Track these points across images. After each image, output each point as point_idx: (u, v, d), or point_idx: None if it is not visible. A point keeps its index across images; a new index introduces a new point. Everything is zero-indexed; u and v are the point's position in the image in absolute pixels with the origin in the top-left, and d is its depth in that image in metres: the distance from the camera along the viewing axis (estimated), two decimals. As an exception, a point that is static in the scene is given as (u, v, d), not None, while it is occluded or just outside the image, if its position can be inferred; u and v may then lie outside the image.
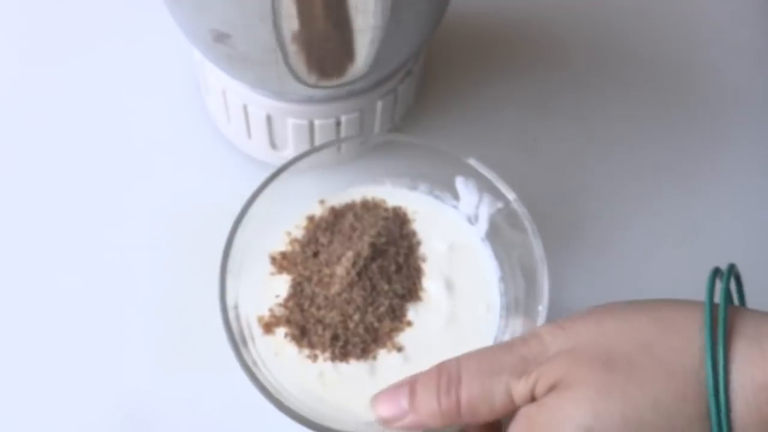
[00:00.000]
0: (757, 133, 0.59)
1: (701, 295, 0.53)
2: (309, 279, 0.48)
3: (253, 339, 0.46)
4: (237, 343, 0.43)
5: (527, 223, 0.47)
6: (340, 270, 0.47)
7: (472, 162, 0.48)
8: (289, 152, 0.52)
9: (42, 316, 0.51)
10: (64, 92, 0.59)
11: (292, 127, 0.50)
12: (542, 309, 0.45)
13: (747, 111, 0.60)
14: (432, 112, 0.58)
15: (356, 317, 0.46)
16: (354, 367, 0.46)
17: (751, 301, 0.52)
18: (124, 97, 0.59)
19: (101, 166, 0.56)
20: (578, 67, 0.61)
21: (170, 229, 0.53)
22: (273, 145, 0.53)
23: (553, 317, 0.49)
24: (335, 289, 0.47)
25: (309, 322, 0.47)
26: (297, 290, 0.48)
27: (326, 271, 0.48)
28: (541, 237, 0.50)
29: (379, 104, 0.51)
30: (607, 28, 0.63)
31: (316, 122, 0.50)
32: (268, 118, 0.50)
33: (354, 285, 0.47)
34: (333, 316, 0.47)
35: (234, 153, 0.56)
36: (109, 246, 0.53)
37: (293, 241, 0.50)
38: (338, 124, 0.50)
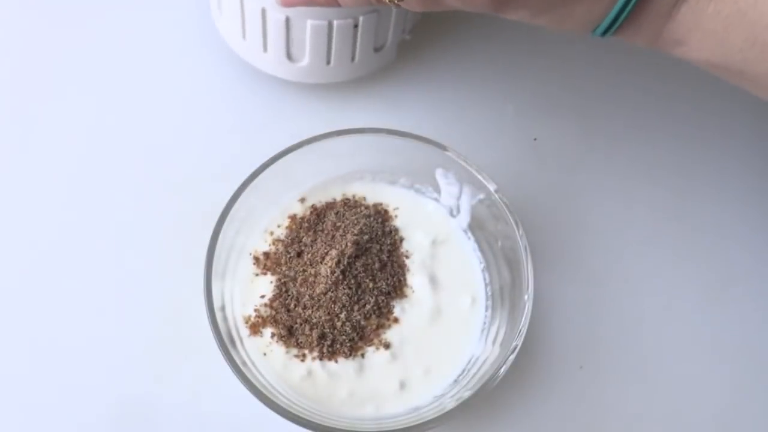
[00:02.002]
0: (759, 132, 0.59)
1: (696, 295, 0.54)
2: (294, 279, 0.48)
3: (241, 339, 0.46)
4: (225, 344, 0.43)
5: (509, 214, 0.47)
6: (324, 269, 0.47)
7: (451, 154, 0.49)
8: (305, 63, 0.52)
9: (36, 311, 0.50)
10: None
11: (311, 29, 0.49)
12: (528, 299, 0.45)
13: (752, 110, 0.59)
14: (431, 111, 0.58)
15: (343, 316, 0.46)
16: (342, 365, 0.46)
17: (751, 307, 0.53)
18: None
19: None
20: (579, 65, 0.61)
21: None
22: (289, 55, 0.52)
23: (539, 309, 0.49)
24: (320, 288, 0.47)
25: (296, 322, 0.47)
26: (282, 290, 0.48)
27: (311, 270, 0.48)
28: (542, 234, 0.51)
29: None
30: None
31: (335, 23, 0.49)
32: (287, 21, 0.49)
33: (339, 284, 0.47)
34: (319, 316, 0.46)
35: (249, 75, 0.55)
36: (105, 235, 0.52)
37: (276, 241, 0.49)
38: (356, 26, 0.50)
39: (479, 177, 0.48)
